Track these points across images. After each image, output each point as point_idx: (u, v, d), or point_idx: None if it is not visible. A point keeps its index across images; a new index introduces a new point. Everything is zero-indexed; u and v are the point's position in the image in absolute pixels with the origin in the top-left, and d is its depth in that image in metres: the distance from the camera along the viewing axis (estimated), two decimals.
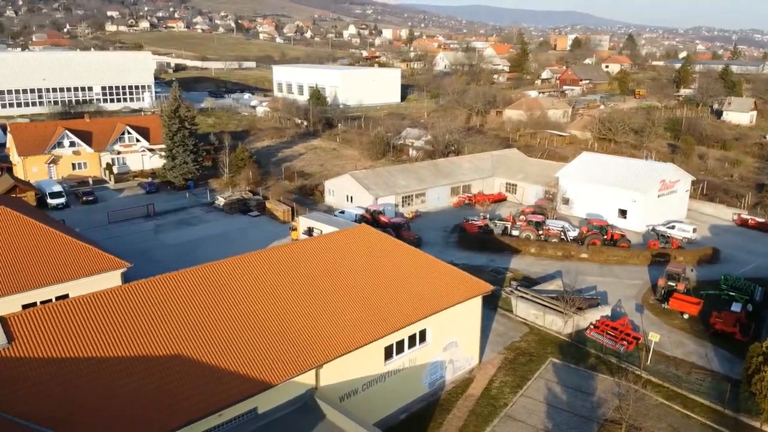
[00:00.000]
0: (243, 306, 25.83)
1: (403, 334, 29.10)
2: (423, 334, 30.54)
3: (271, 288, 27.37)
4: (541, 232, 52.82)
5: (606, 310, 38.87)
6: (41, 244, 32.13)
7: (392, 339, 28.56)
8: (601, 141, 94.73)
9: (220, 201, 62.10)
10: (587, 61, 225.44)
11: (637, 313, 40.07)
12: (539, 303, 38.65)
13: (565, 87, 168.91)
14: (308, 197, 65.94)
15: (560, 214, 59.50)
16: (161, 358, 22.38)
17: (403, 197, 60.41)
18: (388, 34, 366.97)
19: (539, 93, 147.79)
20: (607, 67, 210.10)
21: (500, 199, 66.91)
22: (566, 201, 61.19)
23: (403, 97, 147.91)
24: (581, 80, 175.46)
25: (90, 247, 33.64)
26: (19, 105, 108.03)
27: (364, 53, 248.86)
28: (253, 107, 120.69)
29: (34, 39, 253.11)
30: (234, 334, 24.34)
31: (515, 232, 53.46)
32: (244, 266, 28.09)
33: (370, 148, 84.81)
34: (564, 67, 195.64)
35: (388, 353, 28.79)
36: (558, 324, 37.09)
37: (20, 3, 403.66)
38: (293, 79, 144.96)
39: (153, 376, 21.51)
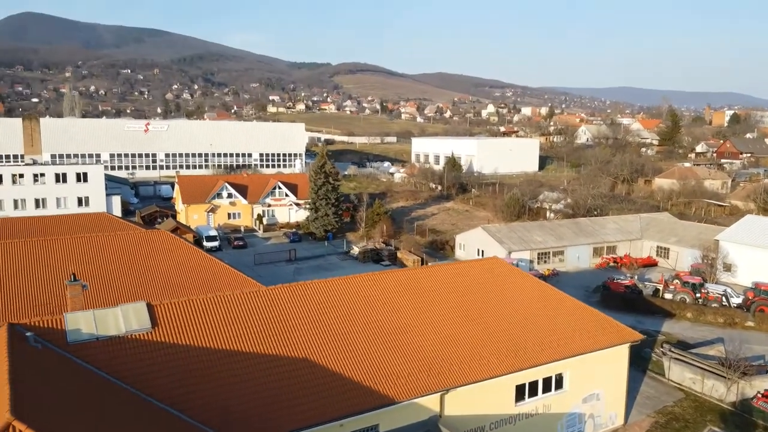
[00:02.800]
0: (372, 321, 25.53)
1: (537, 375, 26.82)
2: (560, 379, 27.90)
3: (402, 308, 26.87)
4: (698, 295, 47.12)
5: None
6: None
7: (524, 378, 26.41)
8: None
9: (355, 250, 64.02)
10: (748, 135, 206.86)
11: None
12: (698, 366, 33.84)
13: (723, 160, 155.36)
14: (439, 251, 65.63)
15: (720, 280, 52.94)
16: (289, 359, 22.54)
17: (539, 253, 57.71)
18: (527, 111, 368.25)
19: (694, 165, 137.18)
20: None
21: (650, 264, 61.34)
22: (728, 267, 54.47)
23: (542, 167, 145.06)
24: (742, 153, 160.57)
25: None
26: (188, 167, 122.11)
27: (502, 128, 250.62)
28: (391, 174, 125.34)
29: (205, 117, 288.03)
30: (361, 347, 24.01)
31: (668, 296, 48.22)
32: (378, 283, 28.03)
33: (505, 210, 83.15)
34: (721, 141, 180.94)
35: (520, 393, 26.57)
36: (719, 390, 32.07)
37: (195, 88, 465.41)
38: (430, 150, 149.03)
39: (280, 376, 21.68)
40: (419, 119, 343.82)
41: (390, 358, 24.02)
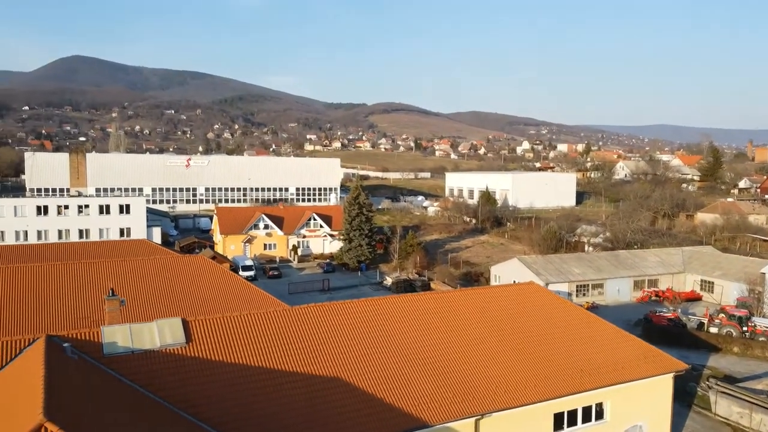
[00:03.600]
0: (404, 343, 25.15)
1: (577, 404, 25.87)
2: (600, 408, 26.85)
3: (435, 330, 26.45)
4: (745, 328, 45.02)
5: None
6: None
7: (563, 406, 25.50)
8: None
9: (388, 281, 63.72)
10: None
11: None
12: (746, 400, 32.09)
13: (767, 195, 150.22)
14: (473, 282, 64.69)
15: None
16: (321, 378, 22.32)
17: (577, 286, 56.30)
18: (563, 148, 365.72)
19: (737, 200, 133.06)
20: None
21: (694, 298, 59.09)
22: None
23: (579, 202, 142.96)
24: None
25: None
26: (227, 201, 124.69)
27: (538, 164, 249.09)
28: (425, 207, 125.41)
29: (245, 154, 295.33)
30: (394, 369, 23.63)
31: (713, 329, 46.21)
32: (411, 306, 27.71)
33: (541, 243, 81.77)
34: (765, 177, 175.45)
35: (558, 422, 25.62)
36: None
37: (236, 127, 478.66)
38: (465, 184, 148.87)
39: (312, 395, 21.48)
40: (453, 156, 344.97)
41: (423, 381, 23.56)
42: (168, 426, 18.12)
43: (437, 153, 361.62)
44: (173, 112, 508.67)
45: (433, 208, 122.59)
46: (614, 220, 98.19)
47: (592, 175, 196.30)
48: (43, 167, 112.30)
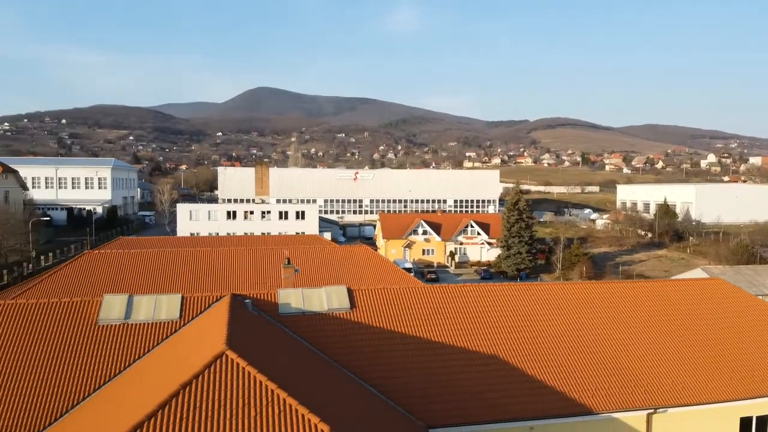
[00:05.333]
0: (569, 329, 24.05)
1: None
2: None
3: (605, 319, 24.96)
4: None
5: None
6: None
7: (752, 410, 22.53)
8: None
9: None
10: None
11: None
12: None
13: None
14: None
15: None
16: (478, 355, 22.25)
17: None
18: (756, 161, 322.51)
19: None
20: None
21: None
22: None
23: None
24: None
25: None
26: (389, 211, 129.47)
27: (726, 178, 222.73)
28: (592, 220, 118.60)
29: None
30: (557, 354, 22.74)
31: None
32: (579, 293, 26.52)
33: (730, 258, 72.88)
34: None
35: (746, 428, 22.61)
36: None
37: (399, 148, 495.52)
38: (639, 197, 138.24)
39: (468, 369, 21.53)
40: (626, 170, 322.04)
41: (588, 368, 22.35)
42: (328, 374, 19.39)
43: (607, 168, 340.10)
44: (343, 135, 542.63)
45: (601, 221, 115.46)
46: None
47: None
48: (233, 180, 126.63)
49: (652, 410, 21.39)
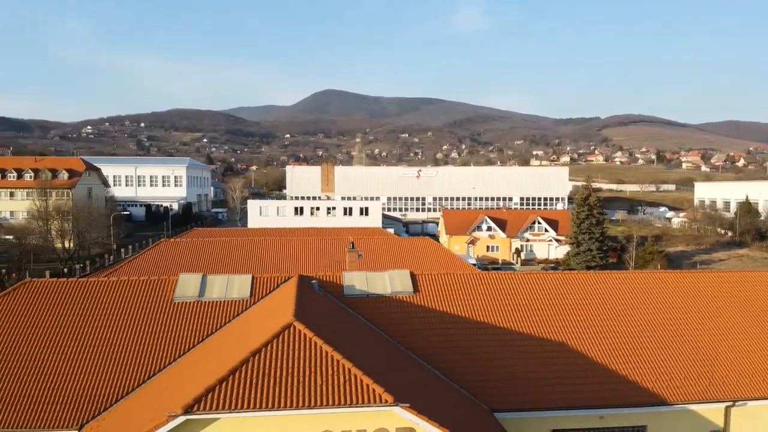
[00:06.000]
0: (641, 318, 23.19)
1: None
2: None
3: (679, 308, 23.92)
4: None
5: None
6: None
7: None
8: None
9: None
10: None
11: None
12: None
13: None
14: None
15: None
16: (544, 341, 21.84)
17: None
18: None
19: None
20: None
21: None
22: None
23: None
24: None
25: None
26: (452, 209, 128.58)
27: None
28: (668, 219, 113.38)
29: None
30: (628, 342, 22.10)
31: None
32: (651, 281, 25.54)
33: None
34: None
35: None
36: None
37: (463, 147, 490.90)
38: (719, 195, 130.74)
39: (533, 356, 21.25)
40: (704, 168, 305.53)
41: (664, 357, 21.56)
42: (391, 353, 19.52)
43: (684, 166, 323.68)
44: (407, 135, 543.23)
45: (678, 219, 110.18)
46: None
47: None
48: (300, 178, 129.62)
49: (730, 402, 20.40)
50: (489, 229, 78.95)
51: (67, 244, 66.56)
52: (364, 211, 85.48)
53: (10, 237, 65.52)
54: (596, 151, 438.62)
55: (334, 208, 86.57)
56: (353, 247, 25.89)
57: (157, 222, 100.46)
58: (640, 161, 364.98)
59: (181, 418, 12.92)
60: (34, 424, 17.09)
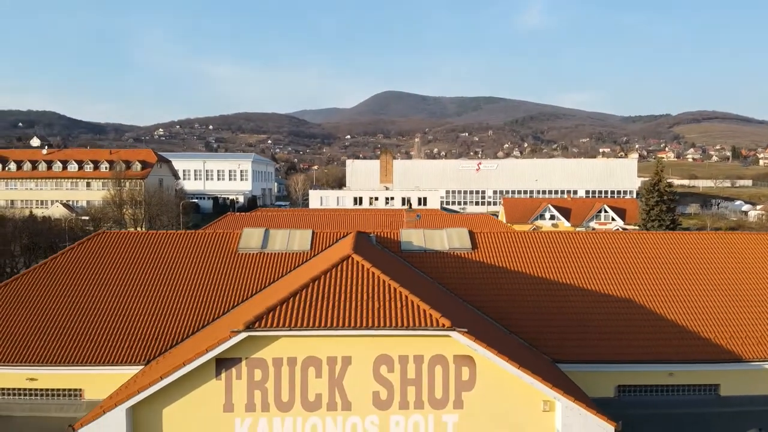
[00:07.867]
0: (718, 277, 22.31)
1: None
2: None
3: (754, 267, 22.73)
4: None
5: None
6: None
7: None
8: None
9: None
10: None
11: None
12: None
13: None
14: None
15: None
16: (611, 297, 21.24)
17: None
18: None
19: None
20: None
21: None
22: None
23: None
24: None
25: None
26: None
27: None
28: (744, 212, 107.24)
29: None
30: (698, 300, 21.30)
31: None
32: (725, 242, 24.45)
33: None
34: None
35: None
36: None
37: (525, 145, 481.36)
38: None
39: (599, 310, 20.77)
40: None
41: (738, 315, 20.64)
42: (449, 300, 19.41)
43: (761, 162, 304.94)
44: (467, 134, 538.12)
45: (755, 212, 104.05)
46: None
47: None
48: (360, 172, 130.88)
49: None
50: (552, 217, 77.12)
51: (139, 230, 70.06)
52: (422, 201, 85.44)
53: (87, 218, 69.60)
54: (667, 149, 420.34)
55: (392, 198, 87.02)
56: (411, 208, 25.96)
57: (223, 213, 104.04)
58: (714, 158, 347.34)
59: (243, 334, 13.34)
60: (105, 360, 18.05)
